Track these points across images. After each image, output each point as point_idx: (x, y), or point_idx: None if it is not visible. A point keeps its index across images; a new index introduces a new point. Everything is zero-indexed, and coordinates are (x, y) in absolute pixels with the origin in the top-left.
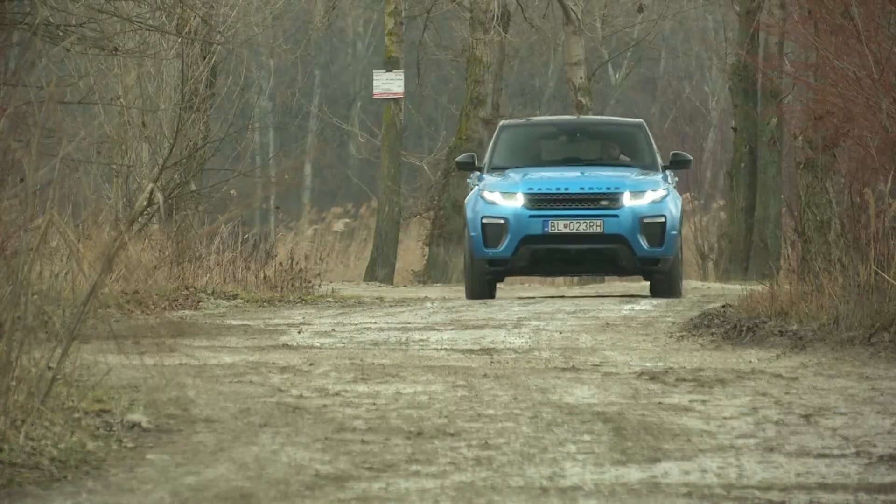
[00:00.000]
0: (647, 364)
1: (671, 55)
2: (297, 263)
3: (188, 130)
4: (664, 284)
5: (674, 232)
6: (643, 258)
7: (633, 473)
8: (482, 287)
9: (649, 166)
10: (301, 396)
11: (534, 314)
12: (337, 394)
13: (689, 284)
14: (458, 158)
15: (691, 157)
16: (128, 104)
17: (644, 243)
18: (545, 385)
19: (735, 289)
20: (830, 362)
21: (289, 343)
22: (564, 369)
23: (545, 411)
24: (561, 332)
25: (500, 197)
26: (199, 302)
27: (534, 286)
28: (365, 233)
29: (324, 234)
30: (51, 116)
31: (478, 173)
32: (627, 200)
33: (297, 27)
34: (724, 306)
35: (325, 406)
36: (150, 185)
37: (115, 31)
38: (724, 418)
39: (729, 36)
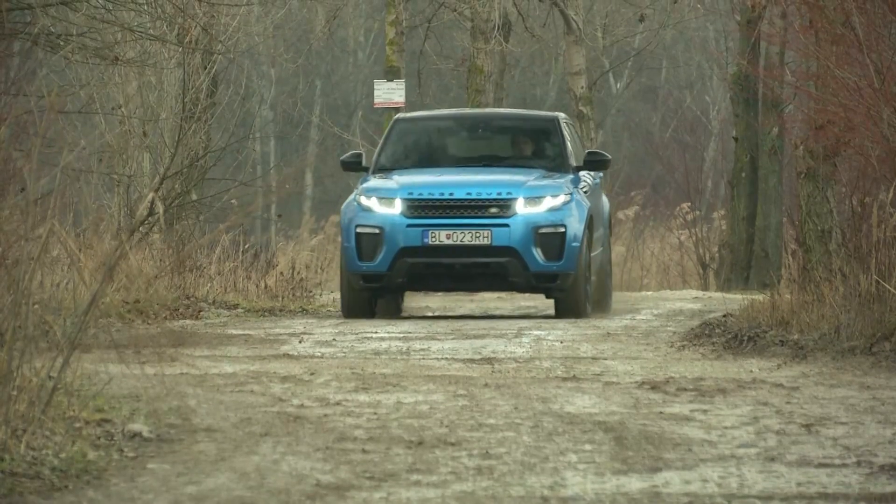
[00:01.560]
0: (649, 374)
1: (672, 65)
2: (297, 273)
3: (189, 140)
4: (565, 303)
5: (576, 244)
6: (538, 274)
7: (634, 483)
8: (358, 304)
9: (557, 167)
10: (302, 406)
11: (535, 324)
12: (338, 403)
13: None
14: (342, 157)
15: (609, 157)
16: (129, 114)
17: (539, 257)
18: (546, 394)
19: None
20: (831, 372)
21: (290, 353)
22: (565, 379)
23: (546, 421)
24: (562, 342)
25: (377, 203)
26: (199, 311)
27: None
28: None
29: (325, 243)
30: (51, 126)
31: (364, 174)
32: (521, 208)
33: (298, 37)
34: (724, 316)
35: (326, 415)
36: (151, 195)
37: (115, 40)
38: (725, 428)
39: (730, 45)
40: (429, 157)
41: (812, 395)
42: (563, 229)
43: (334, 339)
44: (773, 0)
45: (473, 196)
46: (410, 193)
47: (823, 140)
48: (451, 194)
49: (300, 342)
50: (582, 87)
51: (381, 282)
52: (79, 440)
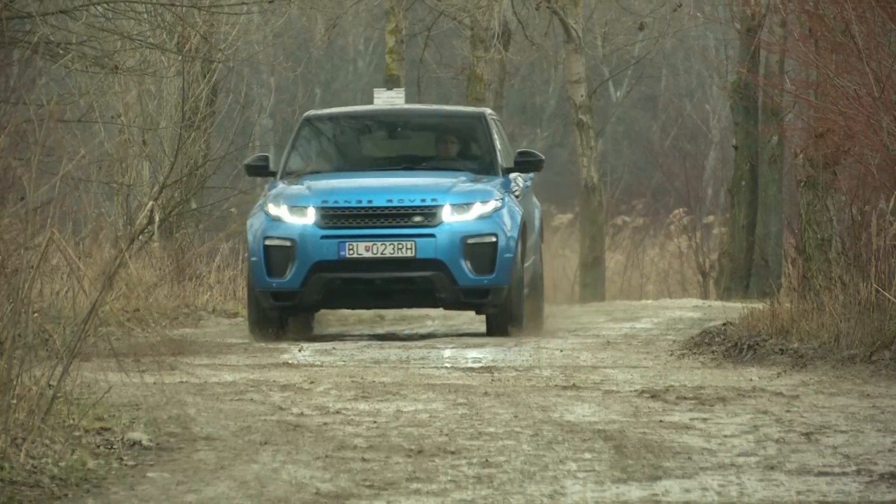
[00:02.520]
0: (648, 382)
1: (672, 73)
2: None
3: (189, 148)
4: (498, 320)
5: (508, 255)
6: (468, 289)
7: (634, 491)
8: (267, 324)
9: (486, 169)
10: (302, 414)
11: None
12: (338, 412)
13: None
14: (246, 160)
15: (541, 157)
16: (128, 122)
17: (469, 270)
18: (546, 403)
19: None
20: (831, 380)
21: (289, 361)
22: (565, 387)
23: (546, 429)
24: (562, 350)
25: (288, 212)
26: (199, 320)
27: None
28: None
29: None
30: (51, 134)
31: (272, 180)
32: (448, 216)
33: (297, 45)
34: (724, 324)
35: (325, 424)
36: (151, 204)
37: (115, 49)
38: (725, 436)
39: (730, 54)
40: (343, 160)
41: (812, 404)
42: (494, 239)
43: (334, 348)
44: (773, 9)
45: (395, 203)
46: (325, 201)
47: (823, 148)
48: (369, 202)
49: (300, 351)
50: (582, 96)
51: (294, 300)
52: (78, 449)
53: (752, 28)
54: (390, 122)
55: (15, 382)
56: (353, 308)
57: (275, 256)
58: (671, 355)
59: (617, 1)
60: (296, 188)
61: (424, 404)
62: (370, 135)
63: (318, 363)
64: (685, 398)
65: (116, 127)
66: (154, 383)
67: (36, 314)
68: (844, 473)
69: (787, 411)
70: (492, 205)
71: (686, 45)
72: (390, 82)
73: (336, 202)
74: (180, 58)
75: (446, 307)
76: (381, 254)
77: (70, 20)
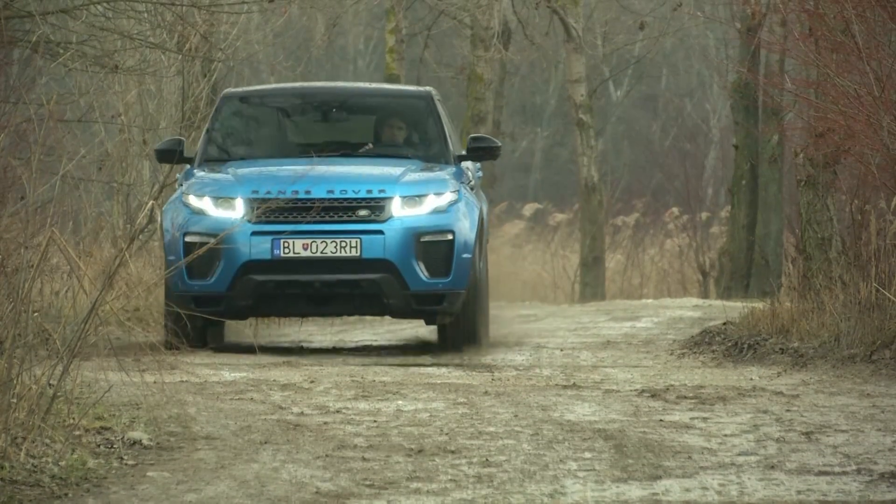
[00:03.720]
0: (649, 381)
1: (672, 73)
2: None
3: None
4: (454, 331)
5: (466, 255)
6: (419, 294)
7: (634, 491)
8: (184, 334)
9: (436, 156)
10: (302, 414)
11: (536, 331)
12: (338, 411)
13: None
14: (157, 145)
15: (498, 143)
16: (128, 122)
17: (422, 272)
18: (546, 402)
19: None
20: (831, 380)
21: (290, 360)
22: (565, 386)
23: (546, 428)
24: (562, 350)
25: (212, 204)
26: None
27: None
28: None
29: None
30: (51, 134)
31: (187, 167)
32: (398, 209)
33: (298, 44)
34: (724, 324)
35: (325, 423)
36: (151, 203)
37: (115, 48)
38: (725, 436)
39: (730, 53)
40: (273, 146)
41: (812, 403)
42: (450, 237)
43: (334, 347)
44: (773, 8)
45: (337, 195)
46: (255, 192)
47: (823, 148)
48: (307, 192)
49: (300, 350)
50: (582, 95)
51: (219, 305)
52: (78, 448)
53: (753, 27)
54: (324, 103)
55: (15, 382)
56: (286, 315)
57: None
58: (671, 355)
59: (617, 0)
60: (219, 176)
61: (424, 404)
62: (301, 117)
63: (319, 362)
64: (685, 397)
65: (116, 126)
66: (154, 383)
67: (36, 313)
68: (844, 473)
69: (788, 410)
70: (447, 197)
71: (686, 45)
72: (390, 81)
73: (268, 193)
74: (180, 57)
75: (394, 315)
76: (322, 253)
77: (70, 19)
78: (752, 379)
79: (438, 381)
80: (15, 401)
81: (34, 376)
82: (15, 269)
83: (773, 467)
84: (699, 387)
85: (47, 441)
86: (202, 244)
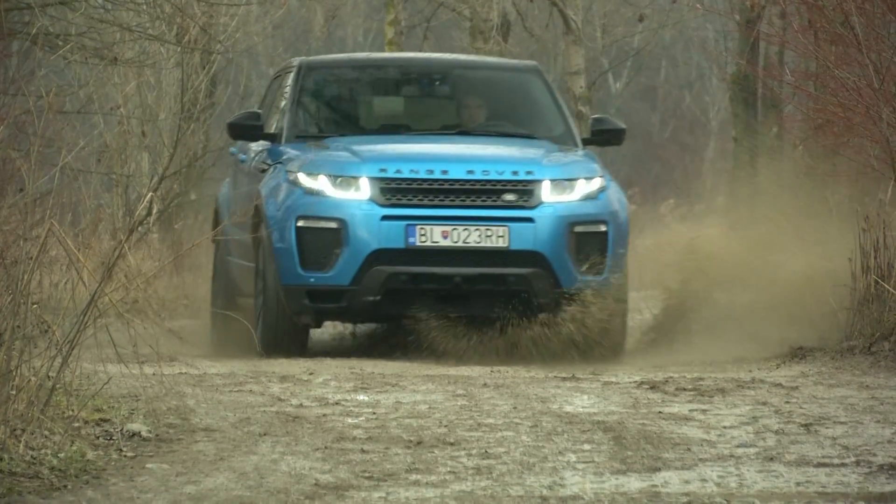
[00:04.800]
0: (648, 373)
1: (671, 64)
2: None
3: (188, 140)
4: (600, 338)
5: (621, 250)
6: (572, 292)
7: (633, 483)
8: (287, 334)
9: (563, 138)
10: (301, 406)
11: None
12: (337, 403)
13: None
14: (231, 119)
15: (623, 126)
16: (127, 114)
17: (575, 268)
18: (545, 394)
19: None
20: (830, 371)
21: (289, 352)
22: (564, 378)
23: (545, 420)
24: None
25: (329, 184)
26: (198, 311)
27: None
28: None
29: None
30: (50, 126)
31: (266, 144)
32: (547, 194)
33: (296, 36)
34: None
35: (324, 415)
36: (150, 195)
37: (114, 40)
38: (724, 427)
39: (729, 45)
40: (368, 120)
41: (811, 395)
42: (604, 228)
43: (333, 339)
44: (772, 0)
45: (478, 176)
46: (383, 170)
47: (823, 140)
48: (444, 172)
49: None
50: (581, 87)
51: (340, 301)
52: (78, 440)
53: (752, 19)
54: (419, 75)
55: (14, 373)
56: (418, 313)
57: (313, 242)
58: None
59: None
60: (335, 153)
61: (424, 395)
62: (392, 88)
63: (317, 354)
64: (684, 389)
65: (116, 118)
66: (153, 374)
67: (35, 305)
68: (843, 464)
69: (787, 402)
70: (597, 183)
71: (685, 37)
72: None
73: (399, 171)
74: (179, 49)
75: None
76: (464, 242)
77: (69, 11)
78: (751, 371)
79: (437, 373)
80: (14, 392)
81: (33, 368)
82: (14, 260)
83: (772, 459)
84: (698, 378)
85: (46, 433)
86: (321, 230)
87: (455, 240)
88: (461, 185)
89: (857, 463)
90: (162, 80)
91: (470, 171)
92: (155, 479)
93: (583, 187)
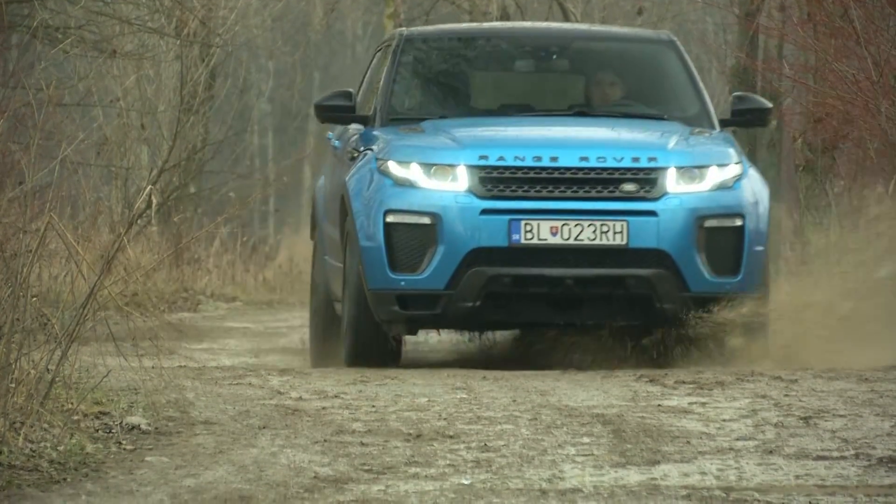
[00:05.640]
0: (647, 366)
1: None
2: (296, 266)
3: (187, 133)
4: (740, 345)
5: (759, 247)
6: (701, 297)
7: (633, 475)
8: (375, 344)
9: (697, 118)
10: (300, 399)
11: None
12: (336, 396)
13: None
14: (319, 99)
15: (769, 104)
16: (127, 106)
17: (705, 268)
18: (544, 387)
19: None
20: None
21: (288, 345)
22: (564, 371)
23: (544, 413)
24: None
25: (422, 173)
26: (198, 304)
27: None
28: None
29: None
30: (50, 118)
31: (357, 127)
32: (673, 184)
33: (296, 29)
34: None
35: (324, 408)
36: (149, 188)
37: (114, 33)
38: (724, 420)
39: (728, 38)
40: (480, 100)
41: (810, 388)
42: (739, 222)
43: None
44: None
45: (593, 163)
46: (483, 157)
47: (822, 133)
48: (553, 159)
49: (298, 335)
50: None
51: (435, 307)
52: (77, 433)
53: (751, 12)
54: (540, 48)
55: (13, 366)
56: (524, 322)
57: (404, 241)
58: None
59: None
60: (428, 137)
61: (423, 388)
62: (504, 63)
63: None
64: (684, 382)
65: (115, 111)
66: (152, 368)
67: (34, 298)
68: (843, 457)
69: (786, 395)
70: (732, 170)
71: (684, 30)
72: None
73: (502, 159)
74: (178, 42)
75: (665, 325)
76: (576, 239)
77: (69, 4)
78: (750, 363)
79: (437, 367)
80: (13, 385)
81: (33, 361)
82: (13, 253)
83: (771, 452)
84: (697, 371)
85: (46, 426)
86: (412, 226)
87: (566, 237)
88: (573, 173)
89: (857, 456)
90: (161, 72)
91: (583, 158)
92: (154, 472)
93: (715, 175)
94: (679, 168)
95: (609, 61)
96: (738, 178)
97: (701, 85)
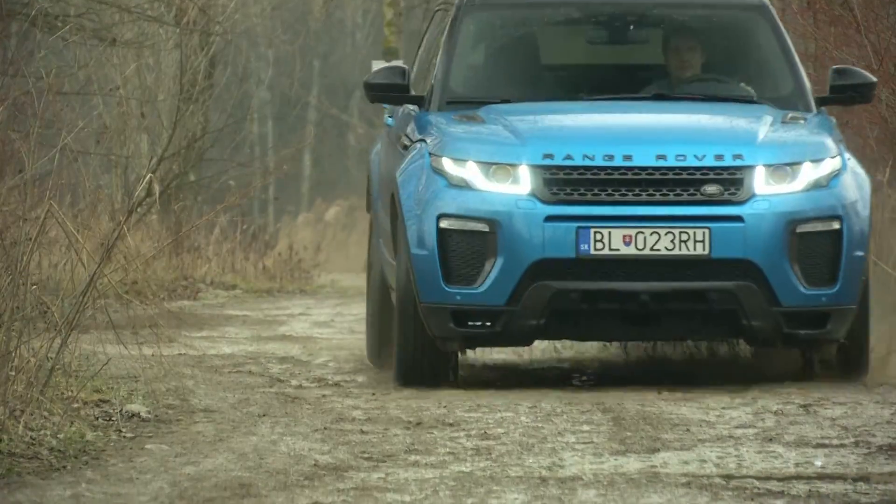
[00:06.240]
0: (646, 354)
1: None
2: (296, 254)
3: (187, 121)
4: (840, 362)
5: (859, 252)
6: (794, 312)
7: (633, 463)
8: (429, 363)
9: (790, 99)
10: (300, 387)
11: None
12: (336, 384)
13: None
14: (369, 77)
15: (874, 78)
16: (126, 95)
17: (798, 280)
18: (544, 375)
19: None
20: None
21: (288, 333)
22: (563, 359)
23: (544, 401)
24: None
25: (479, 172)
26: (197, 292)
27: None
28: (365, 223)
29: (323, 224)
30: (49, 107)
31: (413, 108)
32: (761, 184)
33: (295, 17)
34: None
35: (324, 396)
36: (148, 176)
37: (113, 21)
38: (723, 408)
39: None
40: (549, 81)
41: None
42: (837, 226)
43: (332, 320)
44: None
45: (672, 162)
46: (549, 156)
47: None
48: (627, 157)
49: (298, 323)
50: None
51: (495, 324)
52: (77, 421)
53: None
54: (616, 16)
55: (13, 354)
56: (595, 340)
57: (460, 249)
58: None
59: None
60: (488, 129)
61: None
62: (575, 35)
63: (317, 335)
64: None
65: (115, 99)
66: (152, 356)
67: (34, 286)
68: (842, 445)
69: (784, 383)
70: (828, 165)
71: None
72: (388, 55)
73: (569, 158)
74: (178, 30)
75: (754, 342)
76: (652, 249)
77: None
78: (749, 352)
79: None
80: (13, 373)
81: (33, 349)
82: (13, 241)
83: (771, 440)
84: (695, 359)
85: (46, 414)
86: (469, 233)
87: (640, 246)
88: (649, 174)
89: (857, 444)
90: (161, 61)
91: (661, 157)
92: (154, 460)
93: (809, 173)
94: (768, 166)
95: (693, 31)
96: (836, 175)
97: (796, 58)
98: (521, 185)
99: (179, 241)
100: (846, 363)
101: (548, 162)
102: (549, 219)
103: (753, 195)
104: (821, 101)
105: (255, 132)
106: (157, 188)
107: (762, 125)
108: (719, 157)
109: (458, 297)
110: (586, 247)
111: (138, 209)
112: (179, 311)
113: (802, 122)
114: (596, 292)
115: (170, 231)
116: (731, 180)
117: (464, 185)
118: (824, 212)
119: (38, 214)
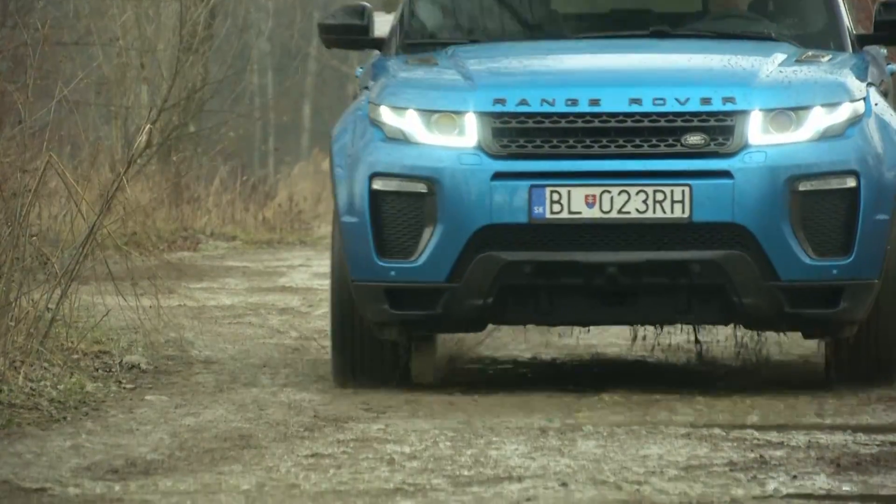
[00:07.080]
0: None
1: None
2: (295, 205)
3: (187, 72)
4: (857, 355)
5: (881, 216)
6: (797, 287)
7: (633, 415)
8: (369, 358)
9: (821, 35)
10: (300, 338)
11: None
12: None
13: None
14: (325, 18)
15: None
16: (126, 45)
17: (802, 248)
18: (544, 328)
19: None
20: None
21: (287, 285)
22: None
23: (543, 353)
24: None
25: (420, 122)
26: (197, 243)
27: None
28: None
29: (322, 175)
30: (48, 58)
31: (376, 53)
32: (756, 132)
33: None
34: None
35: (324, 347)
36: (148, 126)
37: None
38: (722, 362)
39: None
40: (517, 18)
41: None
42: (852, 182)
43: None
44: None
45: (647, 107)
46: (500, 101)
47: None
48: (594, 102)
49: (298, 274)
50: None
51: (434, 306)
52: (77, 372)
53: None
54: None
55: (13, 305)
56: (559, 324)
57: (394, 215)
58: None
59: None
60: (434, 72)
61: None
62: None
63: (317, 287)
64: (682, 349)
65: (114, 50)
66: (152, 307)
67: (34, 237)
68: (841, 395)
69: (784, 334)
70: (845, 110)
71: None
72: (389, 6)
73: (524, 103)
74: None
75: (750, 324)
76: (620, 212)
77: None
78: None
79: None
80: (13, 324)
81: (32, 300)
82: (13, 193)
83: (770, 392)
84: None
85: (45, 365)
86: (404, 195)
87: (606, 208)
88: (619, 121)
89: (855, 394)
90: (160, 11)
91: (634, 101)
92: (154, 411)
93: (820, 119)
94: (767, 111)
95: None
96: (855, 122)
97: None
98: (466, 136)
99: (179, 192)
100: (872, 353)
101: (498, 108)
102: (498, 176)
103: (746, 146)
104: (862, 40)
105: (254, 83)
106: (155, 138)
107: (766, 63)
108: (706, 101)
109: (393, 273)
110: (541, 210)
111: (138, 160)
112: (179, 263)
113: (825, 59)
114: (553, 265)
115: (169, 182)
116: (720, 128)
117: (401, 139)
118: (836, 166)
119: (38, 166)
